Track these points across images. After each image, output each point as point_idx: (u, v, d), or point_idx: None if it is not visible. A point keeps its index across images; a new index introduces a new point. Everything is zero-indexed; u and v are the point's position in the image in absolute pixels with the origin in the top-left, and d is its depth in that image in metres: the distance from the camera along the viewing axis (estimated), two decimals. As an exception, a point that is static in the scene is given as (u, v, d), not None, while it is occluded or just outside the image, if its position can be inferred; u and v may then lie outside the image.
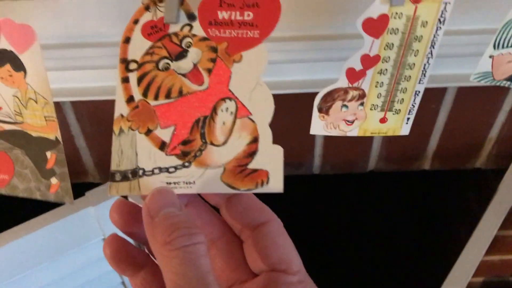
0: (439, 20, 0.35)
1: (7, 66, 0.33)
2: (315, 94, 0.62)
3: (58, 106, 0.65)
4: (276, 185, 0.34)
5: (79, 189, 0.70)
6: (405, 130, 0.45)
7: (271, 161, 0.34)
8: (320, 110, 0.42)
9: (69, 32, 0.49)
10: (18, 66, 0.33)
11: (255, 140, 0.34)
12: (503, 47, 0.36)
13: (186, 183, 0.34)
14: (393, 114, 0.42)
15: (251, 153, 0.34)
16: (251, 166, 0.34)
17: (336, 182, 0.76)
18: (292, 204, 0.73)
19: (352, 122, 0.43)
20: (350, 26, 0.48)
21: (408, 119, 0.44)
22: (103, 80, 0.59)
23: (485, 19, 0.49)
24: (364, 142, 0.72)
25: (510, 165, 0.73)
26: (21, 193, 0.39)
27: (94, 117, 0.67)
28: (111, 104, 0.59)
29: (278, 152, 0.34)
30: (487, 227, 0.69)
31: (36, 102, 0.35)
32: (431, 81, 0.59)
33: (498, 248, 0.86)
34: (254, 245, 0.32)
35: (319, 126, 0.43)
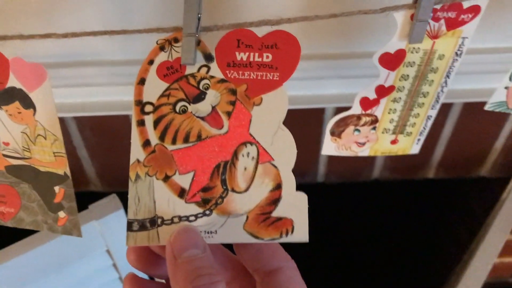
0: (456, 53, 0.35)
1: (16, 104, 0.32)
2: (321, 108, 0.62)
3: (60, 118, 0.64)
4: (301, 234, 0.33)
5: (82, 199, 0.69)
6: (415, 149, 0.45)
7: (296, 208, 0.32)
8: (332, 133, 0.41)
9: (69, 51, 0.48)
10: (28, 104, 0.33)
11: (278, 187, 0.32)
12: (519, 79, 0.36)
13: (207, 233, 0.32)
14: (404, 136, 0.42)
15: (274, 201, 0.33)
16: (275, 214, 0.33)
17: (340, 190, 0.75)
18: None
19: (364, 144, 0.42)
20: (360, 45, 0.48)
21: (418, 140, 0.43)
22: (103, 96, 0.58)
23: (494, 39, 0.49)
24: (369, 151, 0.71)
25: (515, 174, 0.73)
26: (27, 226, 0.39)
27: (96, 128, 0.66)
28: (112, 117, 0.59)
29: (302, 199, 0.33)
30: (497, 235, 0.70)
31: (45, 138, 0.34)
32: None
33: (501, 252, 0.86)
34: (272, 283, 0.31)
35: (330, 148, 0.43)
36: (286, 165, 0.33)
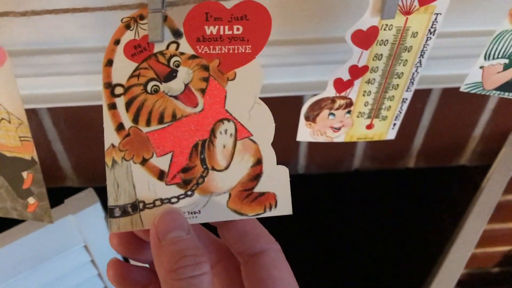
0: (430, 30, 0.34)
1: (-24, 86, 0.31)
2: (300, 95, 0.62)
3: (33, 110, 0.63)
4: (284, 207, 0.33)
5: (58, 194, 0.68)
6: (391, 134, 0.44)
7: (278, 182, 0.32)
8: (307, 118, 0.41)
9: (42, 38, 0.47)
10: (-12, 86, 0.31)
11: (259, 162, 0.32)
12: (493, 58, 0.35)
13: (191, 213, 0.32)
14: (379, 120, 0.42)
15: (256, 176, 0.32)
16: (258, 189, 0.32)
17: (321, 181, 0.75)
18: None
19: (339, 129, 0.42)
20: (337, 29, 0.47)
21: (394, 124, 0.43)
22: (78, 86, 0.57)
23: (471, 22, 0.49)
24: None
25: (494, 161, 0.73)
26: (-4, 213, 0.38)
27: (71, 121, 0.65)
28: (89, 108, 0.58)
29: (284, 172, 0.33)
30: (475, 223, 0.70)
31: (9, 122, 0.33)
32: (417, 82, 0.58)
33: (482, 241, 0.86)
34: (249, 276, 0.31)
35: (305, 133, 0.42)
36: (265, 140, 0.32)
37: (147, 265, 0.34)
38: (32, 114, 0.64)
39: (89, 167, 0.72)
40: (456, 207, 0.78)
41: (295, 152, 0.72)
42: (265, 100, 0.57)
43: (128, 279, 0.32)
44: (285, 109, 0.63)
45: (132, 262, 0.34)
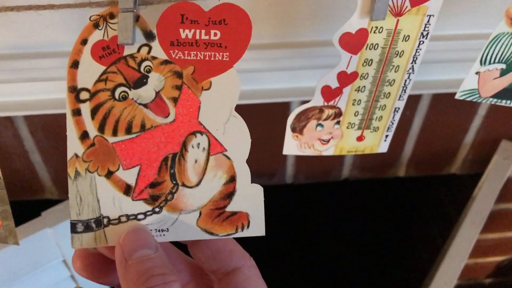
0: (422, 34, 0.32)
1: None
2: (288, 102, 0.59)
3: (9, 119, 0.61)
4: (257, 228, 0.31)
5: (36, 207, 0.65)
6: (383, 147, 0.42)
7: (251, 202, 0.31)
8: (293, 129, 0.38)
9: (21, 42, 0.45)
10: None
11: (232, 180, 0.30)
12: (490, 63, 0.34)
13: (159, 231, 0.30)
14: (371, 132, 0.40)
15: (228, 194, 0.31)
16: (230, 208, 0.31)
17: (310, 191, 0.73)
18: (266, 215, 0.70)
19: (328, 141, 0.40)
20: (326, 32, 0.45)
21: (386, 136, 0.41)
22: (57, 93, 0.55)
23: (462, 25, 0.47)
24: (338, 150, 0.69)
25: (486, 169, 0.72)
26: (-44, 233, 0.35)
27: (49, 130, 0.62)
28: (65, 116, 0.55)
29: (258, 191, 0.31)
30: (468, 233, 0.68)
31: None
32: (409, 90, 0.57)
33: (474, 252, 0.85)
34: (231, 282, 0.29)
35: (292, 146, 0.40)
36: (240, 156, 0.30)
37: None
38: (7, 123, 0.61)
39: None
40: (447, 217, 0.76)
41: (283, 161, 0.69)
42: (251, 107, 0.55)
43: (98, 269, 0.30)
44: (272, 116, 0.61)
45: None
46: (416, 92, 0.59)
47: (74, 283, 0.71)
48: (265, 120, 0.59)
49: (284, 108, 0.61)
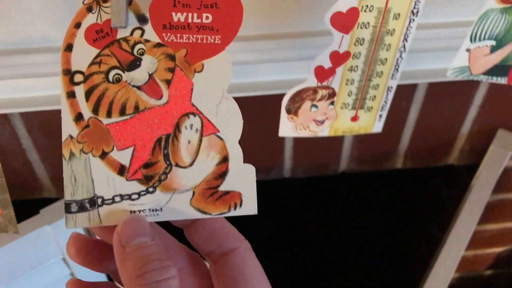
0: (412, 12, 0.33)
1: None
2: (283, 95, 0.60)
3: (5, 117, 0.61)
4: (250, 207, 0.31)
5: (35, 206, 0.65)
6: (377, 127, 0.42)
7: (243, 181, 0.31)
8: (288, 111, 0.39)
9: (14, 37, 0.45)
10: None
11: (225, 160, 0.31)
12: (480, 39, 0.34)
13: (152, 211, 0.30)
14: (365, 112, 0.40)
15: (221, 174, 0.31)
16: (223, 188, 0.31)
17: (308, 185, 0.73)
18: (264, 209, 0.70)
19: (323, 122, 0.40)
20: (319, 23, 0.45)
21: (380, 116, 0.41)
22: (53, 89, 0.55)
23: (456, 12, 0.47)
24: (335, 143, 0.69)
25: (482, 160, 0.72)
26: (-46, 222, 0.35)
27: (47, 128, 0.63)
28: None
29: (250, 171, 0.31)
30: (465, 224, 0.68)
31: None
32: (402, 77, 0.57)
33: (473, 243, 0.85)
34: (220, 277, 0.30)
35: (288, 128, 0.40)
36: (232, 137, 0.31)
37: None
38: (4, 121, 0.61)
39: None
40: (446, 208, 0.76)
41: (280, 155, 0.70)
42: (246, 100, 0.55)
43: (92, 255, 0.31)
44: (268, 109, 0.61)
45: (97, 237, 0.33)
46: (411, 82, 0.59)
47: (74, 282, 0.71)
48: (261, 114, 0.60)
49: (279, 101, 0.61)
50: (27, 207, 0.66)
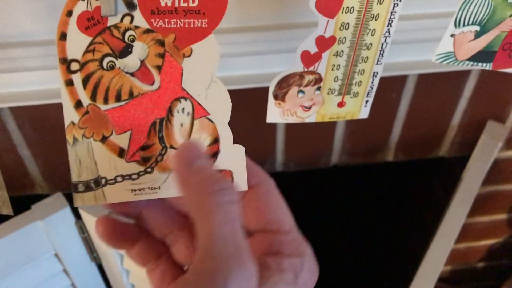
0: (396, -5, 0.33)
1: None
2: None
3: (-5, 113, 0.60)
4: (240, 183, 0.33)
5: (26, 202, 0.65)
6: (364, 113, 0.43)
7: (234, 160, 0.33)
8: (275, 97, 0.39)
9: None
10: None
11: (215, 141, 0.33)
12: (464, 25, 0.34)
13: (151, 189, 0.32)
14: (351, 97, 0.40)
15: (213, 155, 0.33)
16: (214, 167, 0.33)
17: (300, 178, 0.73)
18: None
19: (310, 108, 0.40)
20: (301, 15, 0.46)
21: (366, 101, 0.41)
22: (43, 83, 0.55)
23: (446, 2, 0.48)
24: (327, 136, 0.69)
25: (473, 152, 0.72)
26: None
27: (38, 123, 0.62)
28: (55, 108, 0.55)
29: (240, 151, 0.33)
30: (455, 216, 0.68)
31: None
32: (391, 69, 0.57)
33: (465, 236, 0.85)
34: (246, 207, 0.32)
35: (275, 114, 0.41)
36: (222, 119, 0.32)
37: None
38: (-7, 117, 0.61)
39: (59, 172, 0.69)
40: (437, 200, 0.77)
41: (272, 149, 0.70)
42: (237, 93, 0.55)
43: (118, 235, 0.32)
44: (256, 103, 0.61)
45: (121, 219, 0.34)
46: (401, 73, 0.59)
47: (67, 278, 0.71)
48: (252, 108, 0.60)
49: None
50: (18, 204, 0.66)
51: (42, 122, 0.63)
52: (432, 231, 0.76)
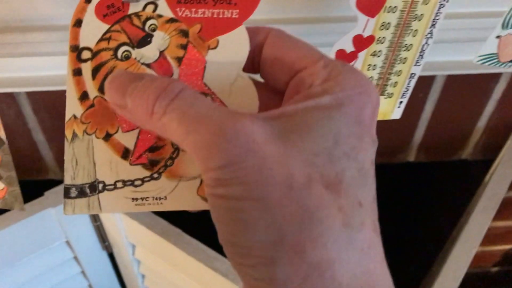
0: (444, -5, 0.31)
1: None
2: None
3: (11, 97, 0.59)
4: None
5: (39, 187, 0.64)
6: (396, 114, 0.41)
7: None
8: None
9: (17, 15, 0.43)
10: None
11: None
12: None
13: (156, 199, 0.29)
14: (385, 98, 0.38)
15: None
16: None
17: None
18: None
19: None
20: (338, 8, 0.44)
21: (400, 102, 0.40)
22: (61, 69, 0.53)
23: (483, 2, 0.45)
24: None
25: (498, 155, 0.70)
26: (-41, 199, 0.34)
27: (53, 109, 0.61)
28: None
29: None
30: (480, 221, 0.66)
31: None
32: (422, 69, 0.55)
33: (483, 240, 0.83)
34: (266, 57, 0.27)
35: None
36: None
37: None
38: (10, 101, 0.60)
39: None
40: (457, 203, 0.75)
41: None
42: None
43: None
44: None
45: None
46: (429, 73, 0.57)
47: (78, 265, 0.70)
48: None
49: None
50: (32, 188, 0.65)
51: (58, 108, 0.61)
52: (449, 233, 0.75)
